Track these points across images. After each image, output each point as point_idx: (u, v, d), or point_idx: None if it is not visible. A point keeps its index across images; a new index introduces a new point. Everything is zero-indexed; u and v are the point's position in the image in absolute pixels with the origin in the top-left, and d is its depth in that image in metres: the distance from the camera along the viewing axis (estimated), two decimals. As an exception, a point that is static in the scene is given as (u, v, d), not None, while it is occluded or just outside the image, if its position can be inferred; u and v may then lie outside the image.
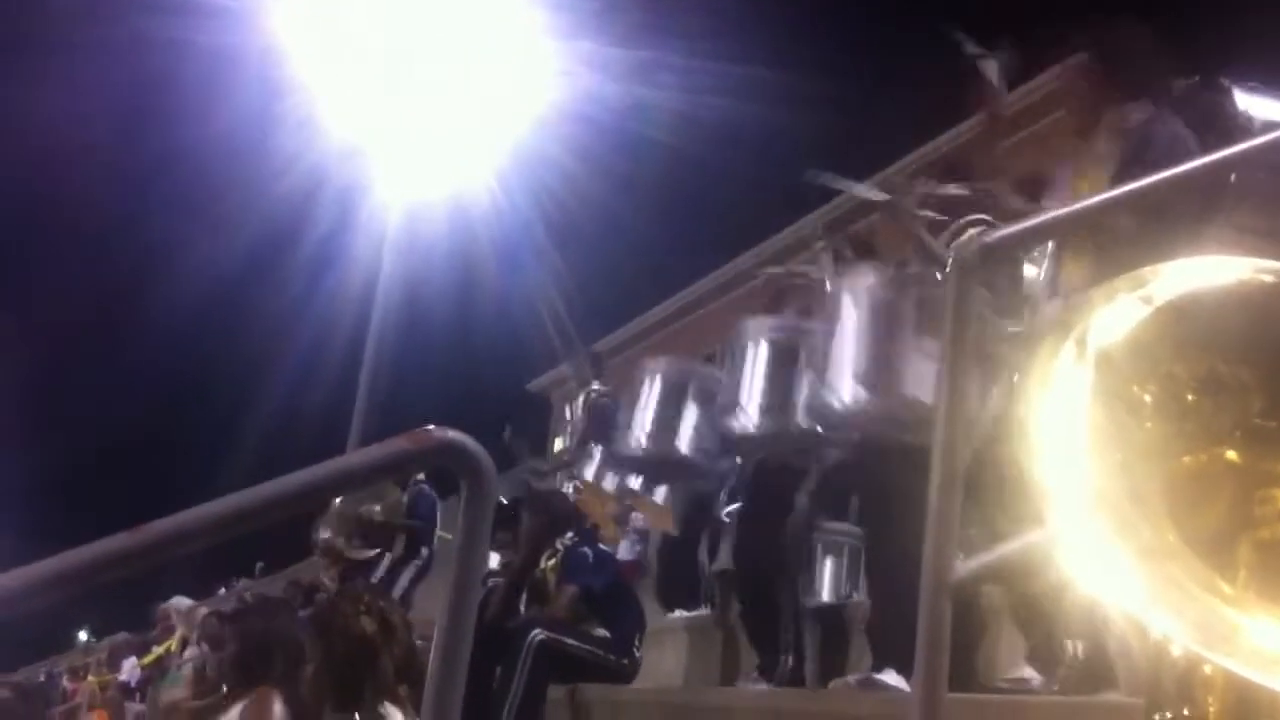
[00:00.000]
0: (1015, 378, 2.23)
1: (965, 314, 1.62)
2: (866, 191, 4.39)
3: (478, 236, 12.36)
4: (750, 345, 4.18)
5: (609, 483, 5.44)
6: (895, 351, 3.38)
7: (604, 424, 5.94)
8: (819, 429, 3.88)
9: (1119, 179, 3.06)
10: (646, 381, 4.72)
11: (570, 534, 6.12)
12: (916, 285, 3.50)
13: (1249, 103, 4.24)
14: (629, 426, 4.69)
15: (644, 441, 4.63)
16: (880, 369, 3.41)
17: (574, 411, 7.32)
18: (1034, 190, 3.66)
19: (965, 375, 1.63)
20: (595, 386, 6.94)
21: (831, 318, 3.62)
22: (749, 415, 4.06)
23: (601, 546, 6.15)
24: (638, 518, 7.64)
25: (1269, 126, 4.15)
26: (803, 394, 3.83)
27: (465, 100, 10.82)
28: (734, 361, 4.20)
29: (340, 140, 10.79)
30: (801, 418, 3.92)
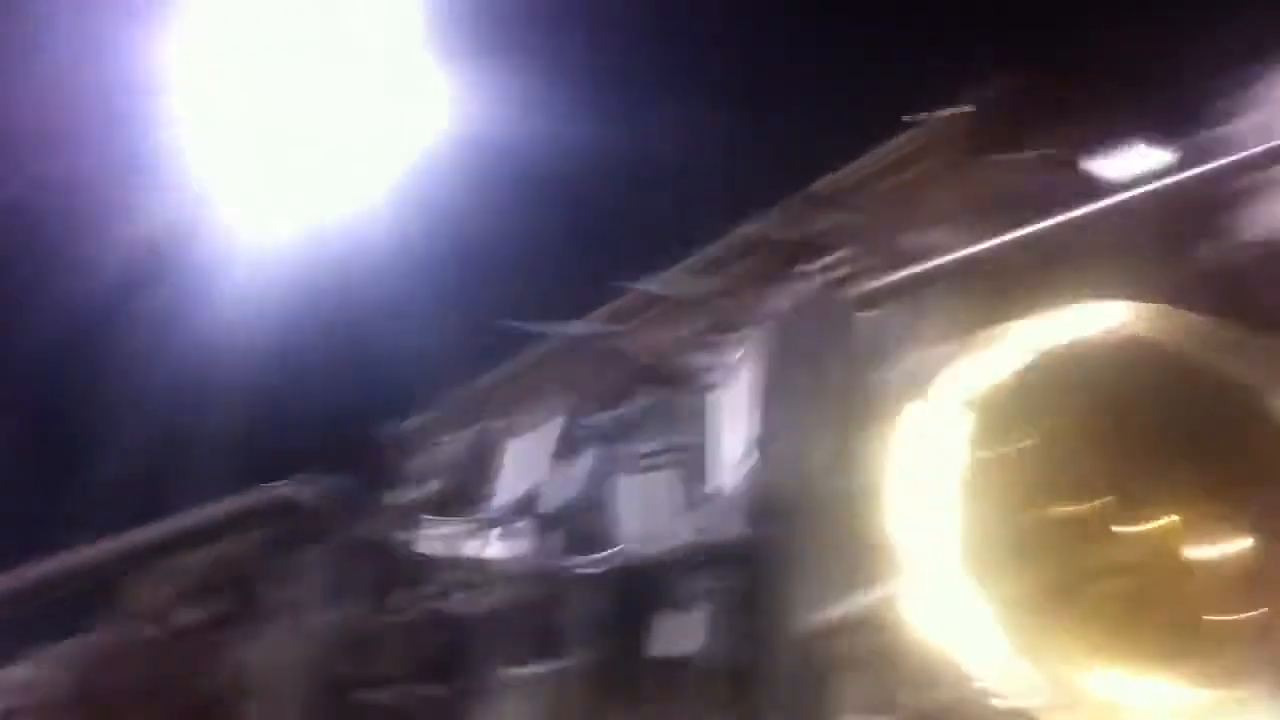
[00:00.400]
0: (886, 427, 2.24)
1: (838, 360, 1.60)
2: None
3: (356, 270, 12.08)
4: None
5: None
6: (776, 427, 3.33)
7: (480, 469, 5.80)
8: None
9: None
10: (535, 428, 4.53)
11: (418, 586, 5.94)
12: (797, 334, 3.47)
13: (1103, 167, 4.42)
14: (505, 475, 4.50)
15: (521, 494, 4.46)
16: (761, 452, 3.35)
17: (450, 453, 7.14)
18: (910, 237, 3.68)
19: (833, 424, 1.61)
20: (468, 429, 6.79)
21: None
22: None
23: (450, 601, 5.97)
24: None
25: (1125, 186, 4.35)
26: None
27: (346, 130, 10.65)
28: None
29: (212, 175, 10.47)
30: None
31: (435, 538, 5.57)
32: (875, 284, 1.71)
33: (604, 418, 4.65)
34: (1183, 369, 1.31)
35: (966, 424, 1.19)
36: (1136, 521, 1.21)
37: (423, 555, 5.43)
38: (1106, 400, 1.22)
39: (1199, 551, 1.29)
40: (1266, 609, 1.34)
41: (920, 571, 1.15)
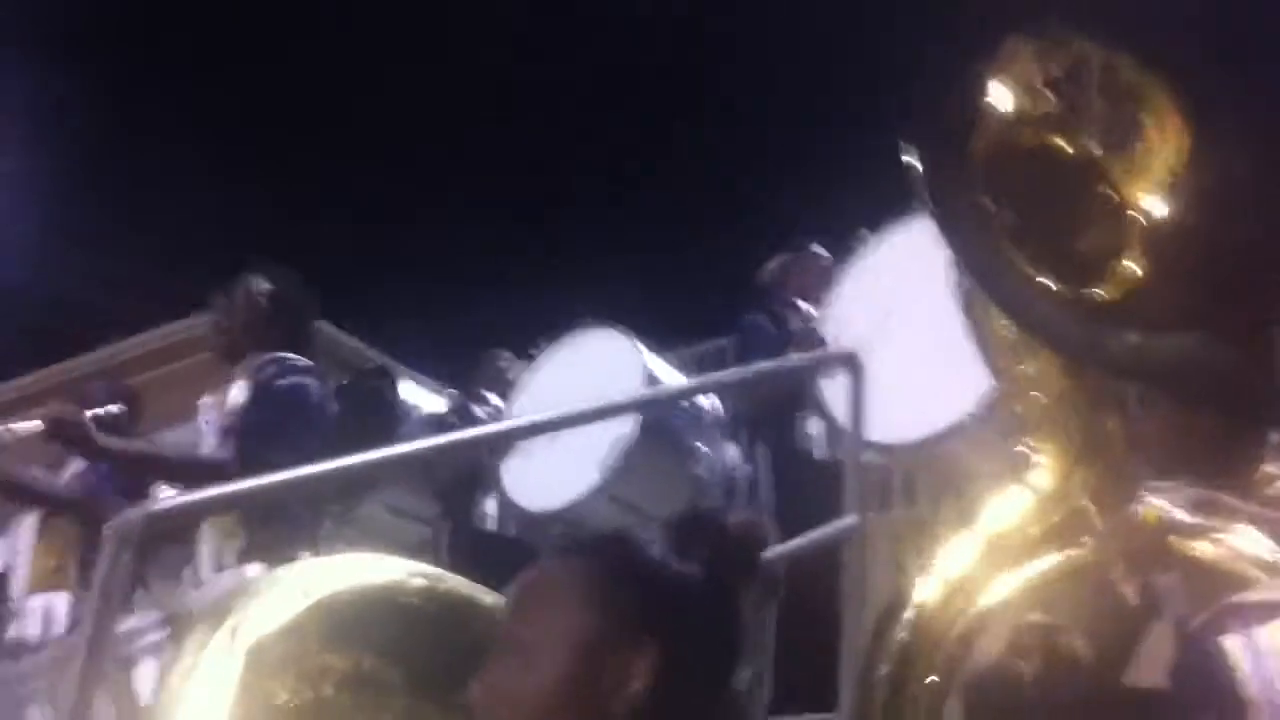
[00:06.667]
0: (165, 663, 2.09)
1: (118, 582, 1.48)
2: None
3: None
4: None
5: None
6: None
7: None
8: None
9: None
10: None
11: None
12: None
13: (410, 392, 4.65)
14: None
15: None
16: None
17: None
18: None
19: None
20: None
21: None
22: None
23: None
24: None
25: (424, 420, 4.59)
26: None
27: None
28: None
29: None
30: None
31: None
32: (173, 504, 1.61)
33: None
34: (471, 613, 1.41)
35: (257, 663, 1.17)
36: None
37: None
38: (394, 649, 1.27)
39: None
40: None
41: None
